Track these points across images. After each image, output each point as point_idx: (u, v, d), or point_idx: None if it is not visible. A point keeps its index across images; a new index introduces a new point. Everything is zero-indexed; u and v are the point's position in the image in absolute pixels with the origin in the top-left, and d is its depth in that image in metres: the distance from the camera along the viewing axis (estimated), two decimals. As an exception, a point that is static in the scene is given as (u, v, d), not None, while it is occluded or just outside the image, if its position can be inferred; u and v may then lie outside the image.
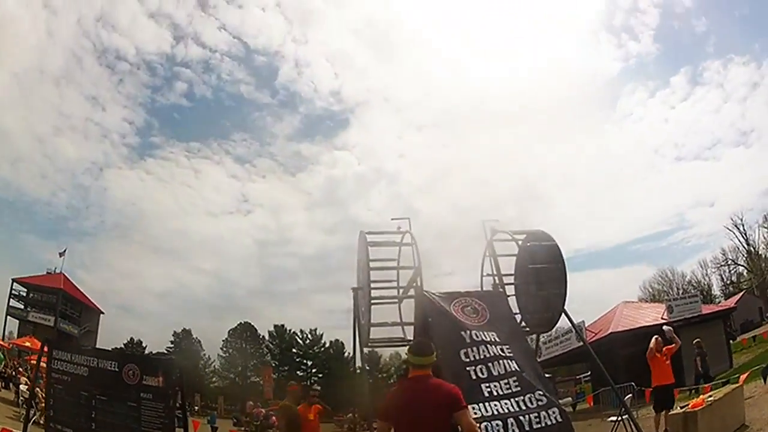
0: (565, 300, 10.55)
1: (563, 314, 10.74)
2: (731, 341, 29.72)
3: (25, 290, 58.82)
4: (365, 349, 10.87)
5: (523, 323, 11.13)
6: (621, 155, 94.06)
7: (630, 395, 16.50)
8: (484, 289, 11.14)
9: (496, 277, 11.03)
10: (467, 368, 8.78)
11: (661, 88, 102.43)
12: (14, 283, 57.70)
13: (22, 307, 57.75)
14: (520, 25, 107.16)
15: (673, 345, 12.26)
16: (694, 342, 15.44)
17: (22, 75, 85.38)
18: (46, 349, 9.70)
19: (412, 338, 10.29)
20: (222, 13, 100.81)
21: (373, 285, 10.37)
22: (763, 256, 60.31)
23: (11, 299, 56.99)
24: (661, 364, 11.96)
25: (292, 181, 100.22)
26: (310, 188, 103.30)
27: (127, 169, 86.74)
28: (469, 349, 8.98)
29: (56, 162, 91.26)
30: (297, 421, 10.23)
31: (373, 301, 10.11)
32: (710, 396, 10.27)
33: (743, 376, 14.11)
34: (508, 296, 10.94)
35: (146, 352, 73.03)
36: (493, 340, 9.25)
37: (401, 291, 10.98)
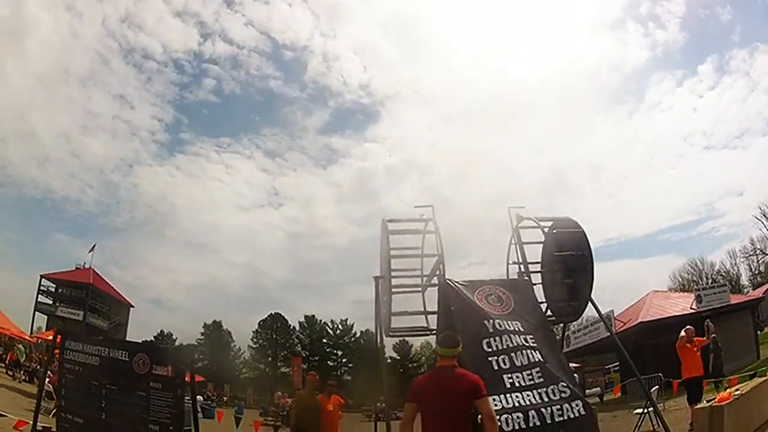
0: (591, 288, 10.25)
1: (590, 303, 10.47)
2: (758, 332, 29.19)
3: (54, 286, 59.55)
4: (387, 338, 10.66)
5: (549, 312, 10.87)
6: (650, 144, 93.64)
7: (657, 386, 16.22)
8: (510, 277, 10.90)
9: (522, 266, 10.80)
10: (489, 358, 8.61)
11: (689, 77, 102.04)
12: (43, 279, 58.48)
13: (51, 302, 58.59)
14: (547, 17, 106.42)
15: (705, 338, 11.95)
16: (711, 337, 15.02)
17: (46, 76, 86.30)
18: (59, 340, 9.68)
19: (435, 327, 10.15)
20: (248, 10, 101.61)
21: (395, 274, 10.21)
22: (793, 244, 59.24)
23: (40, 295, 57.89)
24: (692, 354, 11.66)
25: (322, 174, 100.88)
26: (341, 181, 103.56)
27: (157, 166, 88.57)
28: (492, 339, 8.81)
29: (84, 160, 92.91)
30: (311, 411, 10.13)
31: (394, 290, 9.94)
32: (737, 390, 9.93)
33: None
34: (534, 285, 10.67)
35: (176, 344, 73.87)
36: (516, 329, 9.06)
37: (424, 280, 10.77)
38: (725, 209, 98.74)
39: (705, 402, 10.02)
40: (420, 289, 10.73)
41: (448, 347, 5.63)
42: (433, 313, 10.14)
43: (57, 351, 9.59)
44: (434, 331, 10.15)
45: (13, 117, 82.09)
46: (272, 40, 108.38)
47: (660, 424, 10.50)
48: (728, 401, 9.13)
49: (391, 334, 10.17)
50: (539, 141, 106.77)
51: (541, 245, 11.24)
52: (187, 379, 8.22)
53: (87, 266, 61.08)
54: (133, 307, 66.19)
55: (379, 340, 11.01)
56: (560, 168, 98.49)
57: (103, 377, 8.63)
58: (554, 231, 10.84)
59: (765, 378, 12.19)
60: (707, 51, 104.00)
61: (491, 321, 9.04)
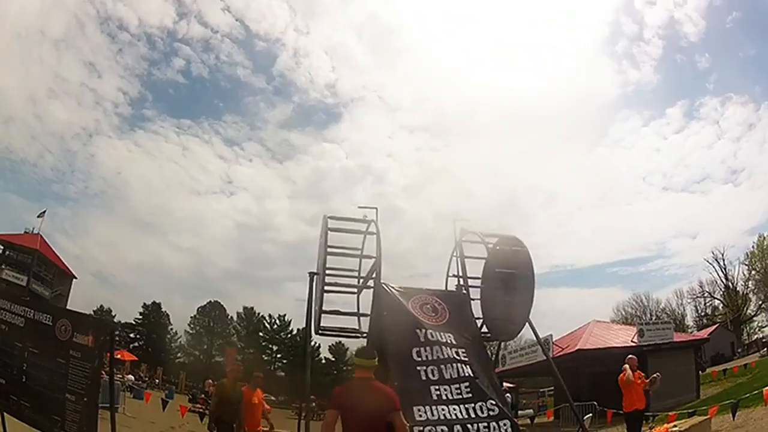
0: (530, 309, 10.05)
1: (528, 324, 10.24)
2: (700, 372, 29.47)
3: (1, 247, 58.08)
4: (319, 337, 10.35)
5: (485, 329, 10.62)
6: (608, 179, 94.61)
7: (590, 414, 16.13)
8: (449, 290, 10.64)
9: (462, 279, 10.57)
10: (418, 368, 8.36)
11: (657, 117, 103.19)
12: (-10, 240, 56.90)
13: (-4, 263, 56.89)
14: (522, 40, 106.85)
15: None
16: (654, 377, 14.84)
17: (23, 36, 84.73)
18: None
19: (366, 331, 9.87)
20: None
21: (331, 272, 9.91)
22: (741, 292, 60.55)
23: (-15, 255, 56.31)
24: (637, 387, 11.47)
25: (278, 168, 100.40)
26: (295, 177, 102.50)
27: (116, 139, 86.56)
28: (423, 348, 8.58)
29: (47, 124, 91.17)
30: (232, 401, 9.79)
31: (327, 288, 9.60)
32: (674, 426, 9.78)
33: (713, 409, 13.78)
34: (472, 300, 10.46)
35: (115, 321, 72.79)
36: (449, 342, 8.83)
37: (361, 282, 10.46)
38: (676, 250, 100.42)
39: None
40: (355, 290, 10.42)
41: (365, 358, 5.72)
42: (365, 315, 9.86)
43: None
44: (365, 335, 9.87)
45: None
46: (246, 29, 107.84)
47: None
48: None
49: (320, 332, 9.82)
50: (498, 163, 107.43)
51: (483, 261, 11.01)
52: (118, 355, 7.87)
53: (36, 231, 59.89)
54: (76, 278, 64.72)
55: (309, 338, 10.63)
56: (515, 192, 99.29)
57: (26, 340, 8.26)
58: (497, 247, 10.61)
59: (706, 417, 12.11)
60: (679, 95, 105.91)
61: (423, 330, 8.81)
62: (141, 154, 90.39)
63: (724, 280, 61.76)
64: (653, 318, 54.00)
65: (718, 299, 63.43)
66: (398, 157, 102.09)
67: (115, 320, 73.00)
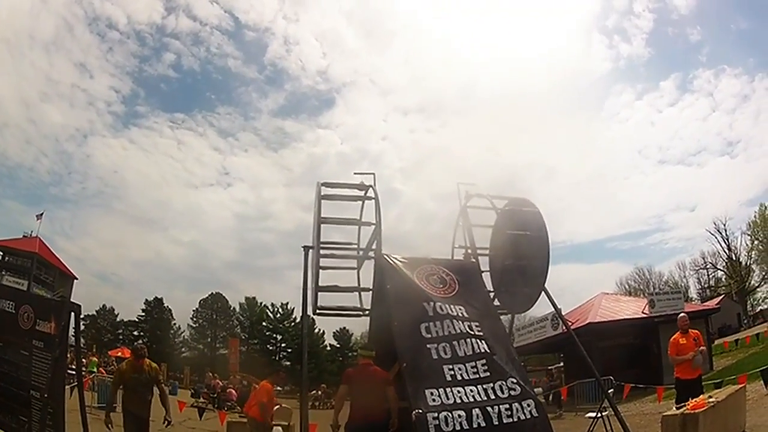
0: (546, 275, 9.15)
1: (543, 292, 9.33)
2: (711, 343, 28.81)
3: (0, 254, 57.34)
4: (318, 319, 9.52)
5: (497, 302, 9.70)
6: (605, 153, 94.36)
7: (612, 389, 15.28)
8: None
9: (470, 249, 9.69)
10: (428, 345, 7.53)
11: (650, 91, 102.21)
12: (-12, 247, 56.22)
13: (-4, 270, 56.11)
14: (513, 17, 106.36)
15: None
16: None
17: (13, 40, 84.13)
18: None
19: (369, 308, 9.02)
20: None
21: (327, 245, 9.00)
22: (744, 263, 60.24)
23: (-16, 263, 55.62)
24: (689, 349, 10.45)
25: (273, 157, 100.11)
26: (291, 165, 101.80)
27: (111, 138, 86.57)
28: (432, 324, 7.74)
29: (41, 128, 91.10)
30: (129, 385, 8.93)
31: (323, 262, 8.67)
32: (711, 397, 8.88)
33: (743, 377, 13.16)
34: (483, 271, 9.56)
35: (118, 320, 72.49)
36: (460, 315, 7.99)
37: (360, 254, 9.56)
38: (675, 223, 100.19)
39: (675, 408, 9.00)
40: (354, 263, 9.50)
41: (366, 350, 8.33)
42: (366, 290, 8.97)
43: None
44: (367, 312, 8.99)
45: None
46: (235, 19, 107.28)
47: (619, 429, 9.46)
48: (703, 408, 8.11)
49: (318, 311, 8.88)
50: (495, 140, 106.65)
51: (491, 229, 10.13)
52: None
53: (34, 234, 59.26)
54: (77, 279, 64.34)
55: (306, 318, 9.74)
56: (514, 169, 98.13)
57: (-10, 332, 7.40)
58: (507, 208, 9.71)
59: (741, 386, 11.32)
60: (672, 68, 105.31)
61: (432, 303, 7.98)
62: (136, 150, 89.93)
63: (727, 251, 61.42)
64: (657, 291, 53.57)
65: (721, 270, 63.09)
66: (393, 140, 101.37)
67: (117, 319, 72.94)
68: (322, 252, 8.61)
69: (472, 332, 7.76)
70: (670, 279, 65.38)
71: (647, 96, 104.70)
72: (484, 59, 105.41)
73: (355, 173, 9.31)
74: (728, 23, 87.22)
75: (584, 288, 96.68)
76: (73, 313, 7.24)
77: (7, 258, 57.14)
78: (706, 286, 65.33)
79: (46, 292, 55.65)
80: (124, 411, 8.80)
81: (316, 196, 8.92)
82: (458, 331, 7.71)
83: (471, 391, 7.06)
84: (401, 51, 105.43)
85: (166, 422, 9.24)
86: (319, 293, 8.65)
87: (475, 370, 7.34)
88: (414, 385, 7.04)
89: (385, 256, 8.59)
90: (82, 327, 8.32)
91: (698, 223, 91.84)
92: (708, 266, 64.10)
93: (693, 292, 64.29)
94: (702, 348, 10.46)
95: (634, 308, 28.52)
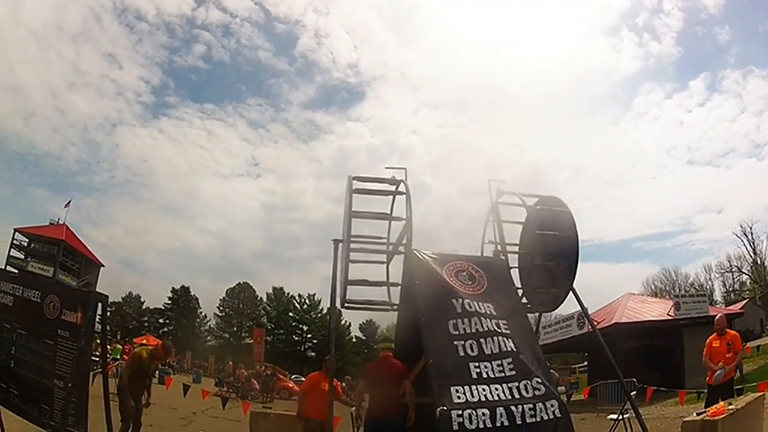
0: (575, 275, 9.16)
1: (571, 292, 9.34)
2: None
3: (27, 240, 58.38)
4: (347, 311, 9.62)
5: (525, 300, 9.70)
6: (632, 153, 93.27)
7: (635, 392, 15.23)
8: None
9: (499, 245, 9.68)
10: (455, 342, 7.56)
11: (679, 90, 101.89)
12: (16, 233, 57.55)
13: (23, 257, 57.33)
14: (542, 14, 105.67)
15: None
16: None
17: (40, 31, 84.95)
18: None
19: (397, 302, 9.02)
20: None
21: (358, 239, 9.02)
22: (769, 268, 59.17)
23: (12, 249, 56.94)
24: (722, 352, 10.40)
25: (303, 149, 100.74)
26: (321, 157, 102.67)
27: (140, 127, 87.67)
28: (460, 321, 7.75)
29: (69, 117, 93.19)
30: (142, 372, 9.35)
31: (353, 256, 8.72)
32: (731, 404, 8.82)
33: (762, 385, 12.98)
34: (511, 268, 9.56)
35: (143, 307, 73.18)
36: (488, 312, 7.99)
37: (390, 248, 9.57)
38: (702, 225, 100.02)
39: (695, 414, 8.94)
40: (383, 258, 9.52)
41: (385, 342, 8.75)
42: (395, 285, 8.99)
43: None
44: (396, 307, 9.01)
45: (4, 70, 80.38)
46: (266, 12, 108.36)
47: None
48: (723, 416, 8.05)
49: (347, 305, 8.93)
50: (523, 137, 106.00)
51: (520, 227, 10.13)
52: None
53: (61, 222, 59.97)
54: (103, 266, 65.33)
55: (334, 311, 9.99)
56: (541, 166, 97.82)
57: (15, 320, 7.59)
58: (538, 207, 9.71)
59: (760, 394, 11.18)
60: (701, 68, 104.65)
61: (460, 300, 7.99)
62: (165, 140, 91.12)
63: (752, 255, 60.75)
64: (682, 293, 53.11)
65: (746, 274, 62.46)
66: (423, 134, 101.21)
67: (143, 306, 73.62)
68: (352, 246, 8.62)
69: (499, 330, 7.77)
70: (696, 281, 65.19)
71: (677, 95, 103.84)
72: (512, 56, 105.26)
73: (386, 167, 9.30)
74: (756, 24, 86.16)
75: (609, 288, 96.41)
76: (100, 304, 7.37)
77: (33, 245, 58.04)
78: (731, 289, 64.83)
79: (72, 279, 56.54)
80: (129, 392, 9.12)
81: (347, 190, 8.92)
82: (485, 328, 7.72)
83: (496, 389, 7.09)
84: (430, 46, 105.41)
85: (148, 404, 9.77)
86: (348, 286, 8.68)
87: (501, 368, 7.34)
88: (439, 382, 7.07)
89: (415, 251, 8.61)
90: (107, 314, 8.47)
91: (725, 225, 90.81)
92: (733, 269, 63.53)
93: (718, 295, 64.19)
94: (723, 367, 10.33)
95: (659, 309, 28.36)
